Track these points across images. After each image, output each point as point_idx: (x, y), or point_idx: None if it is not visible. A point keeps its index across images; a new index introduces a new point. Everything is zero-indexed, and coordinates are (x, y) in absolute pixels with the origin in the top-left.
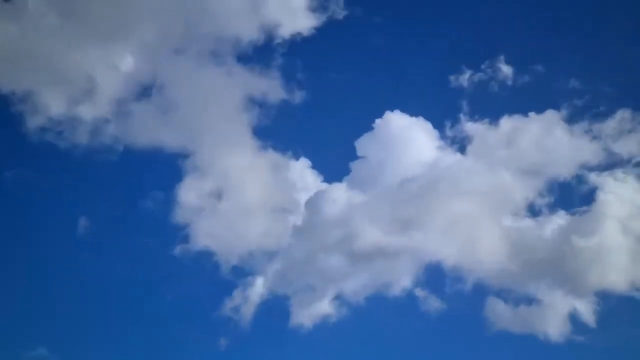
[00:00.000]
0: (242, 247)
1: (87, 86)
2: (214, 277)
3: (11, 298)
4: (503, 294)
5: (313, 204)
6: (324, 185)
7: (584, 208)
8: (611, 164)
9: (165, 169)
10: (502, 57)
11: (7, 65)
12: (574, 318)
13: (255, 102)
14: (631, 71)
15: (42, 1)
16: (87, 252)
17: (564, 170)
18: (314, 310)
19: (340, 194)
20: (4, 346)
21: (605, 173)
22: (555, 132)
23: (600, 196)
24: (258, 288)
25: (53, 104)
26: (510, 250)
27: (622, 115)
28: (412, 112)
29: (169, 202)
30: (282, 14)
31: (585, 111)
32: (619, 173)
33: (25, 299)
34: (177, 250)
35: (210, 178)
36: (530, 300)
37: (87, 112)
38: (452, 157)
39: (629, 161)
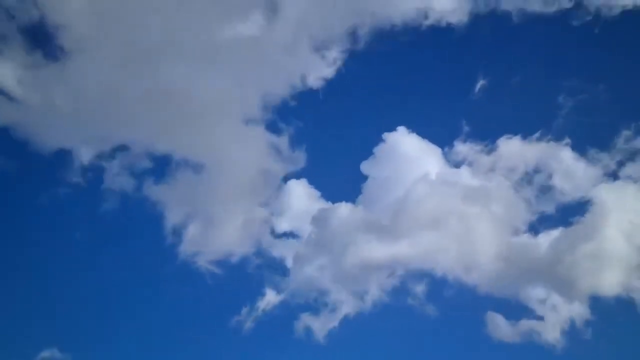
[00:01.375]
0: (250, 260)
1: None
2: (222, 288)
3: (21, 300)
4: (502, 306)
5: (318, 221)
6: (324, 204)
7: (580, 218)
8: (608, 175)
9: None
10: (502, 77)
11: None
12: (571, 326)
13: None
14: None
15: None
16: (94, 255)
17: (563, 185)
18: (320, 323)
19: (342, 212)
20: (15, 347)
21: (602, 184)
22: (554, 149)
23: (596, 205)
24: (266, 301)
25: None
26: (509, 263)
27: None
28: (414, 130)
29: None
30: None
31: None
32: (616, 183)
33: (35, 301)
34: (187, 260)
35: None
36: (528, 310)
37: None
38: (453, 175)
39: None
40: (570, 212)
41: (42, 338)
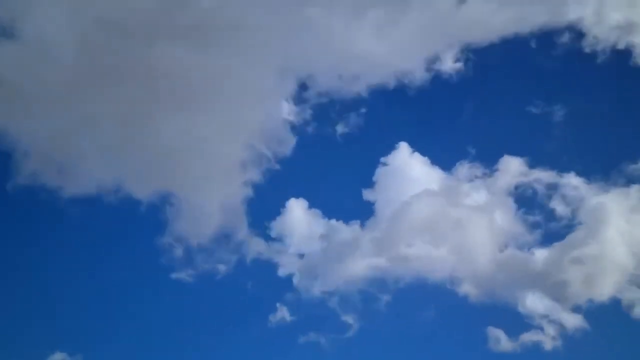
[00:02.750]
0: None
1: None
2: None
3: (28, 302)
4: (502, 318)
5: (324, 239)
6: (327, 223)
7: (578, 228)
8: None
9: None
10: (505, 97)
11: None
12: (571, 335)
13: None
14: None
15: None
16: (101, 256)
17: (562, 201)
18: (326, 340)
19: (345, 230)
20: (23, 351)
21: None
22: (555, 170)
23: (593, 215)
24: (272, 318)
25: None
26: (508, 275)
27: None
28: (416, 150)
29: None
30: None
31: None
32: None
33: (43, 303)
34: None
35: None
36: (528, 321)
37: None
38: (452, 190)
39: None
40: (569, 224)
41: (49, 342)
